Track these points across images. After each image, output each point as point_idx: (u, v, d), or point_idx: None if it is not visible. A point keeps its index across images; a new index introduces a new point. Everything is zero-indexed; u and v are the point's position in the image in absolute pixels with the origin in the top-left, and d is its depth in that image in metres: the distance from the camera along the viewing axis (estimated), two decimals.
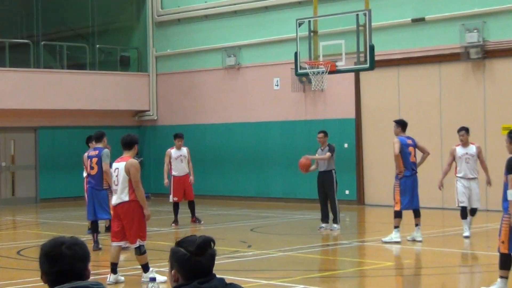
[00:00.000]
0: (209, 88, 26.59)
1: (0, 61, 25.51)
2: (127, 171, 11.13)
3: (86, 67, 27.86)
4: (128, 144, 11.37)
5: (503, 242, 9.64)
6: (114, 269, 11.31)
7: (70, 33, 29.53)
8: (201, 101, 26.81)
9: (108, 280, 11.17)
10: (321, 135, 17.39)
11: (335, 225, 17.13)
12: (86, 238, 16.29)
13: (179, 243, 3.97)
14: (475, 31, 20.58)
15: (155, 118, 28.12)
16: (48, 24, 27.85)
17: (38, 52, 26.48)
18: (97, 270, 12.43)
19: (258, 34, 25.18)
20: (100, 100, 26.76)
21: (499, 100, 20.67)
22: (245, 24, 25.60)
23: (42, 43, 26.68)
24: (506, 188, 9.65)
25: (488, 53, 20.65)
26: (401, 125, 15.31)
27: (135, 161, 11.34)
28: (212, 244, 3.92)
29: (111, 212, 11.60)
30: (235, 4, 25.73)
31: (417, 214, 15.13)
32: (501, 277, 9.82)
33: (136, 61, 28.65)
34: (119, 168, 11.18)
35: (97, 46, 28.02)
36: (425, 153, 15.39)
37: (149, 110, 28.11)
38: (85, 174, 17.10)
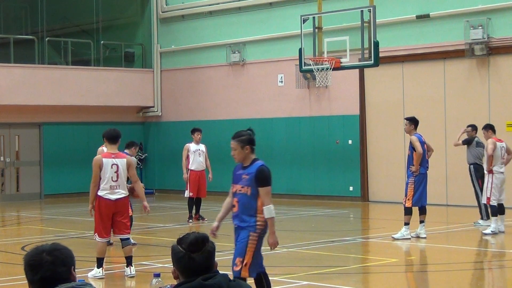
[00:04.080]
0: (213, 84, 26.58)
1: (4, 57, 25.53)
2: (129, 166, 11.37)
3: (90, 63, 27.87)
4: (117, 138, 11.46)
5: (245, 265, 8.03)
6: (101, 263, 11.26)
7: (74, 29, 29.56)
8: (205, 97, 26.81)
9: (98, 274, 11.14)
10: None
11: (480, 221, 16.59)
12: (91, 235, 16.32)
13: (177, 241, 3.98)
14: (480, 27, 20.55)
15: (160, 114, 28.12)
16: (52, 20, 27.87)
17: (42, 48, 26.49)
18: (110, 265, 12.46)
19: (262, 30, 25.18)
20: (105, 96, 26.77)
21: (504, 96, 20.65)
22: (249, 20, 25.59)
23: (47, 39, 26.69)
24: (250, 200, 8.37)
25: (493, 50, 20.63)
26: (415, 122, 15.19)
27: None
28: (206, 242, 3.92)
29: (92, 205, 11.51)
30: (239, 1, 25.72)
31: (423, 211, 15.09)
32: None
33: (140, 57, 28.65)
34: (119, 164, 11.26)
35: (102, 42, 28.02)
36: (430, 151, 15.39)
37: (153, 106, 28.12)
38: None
